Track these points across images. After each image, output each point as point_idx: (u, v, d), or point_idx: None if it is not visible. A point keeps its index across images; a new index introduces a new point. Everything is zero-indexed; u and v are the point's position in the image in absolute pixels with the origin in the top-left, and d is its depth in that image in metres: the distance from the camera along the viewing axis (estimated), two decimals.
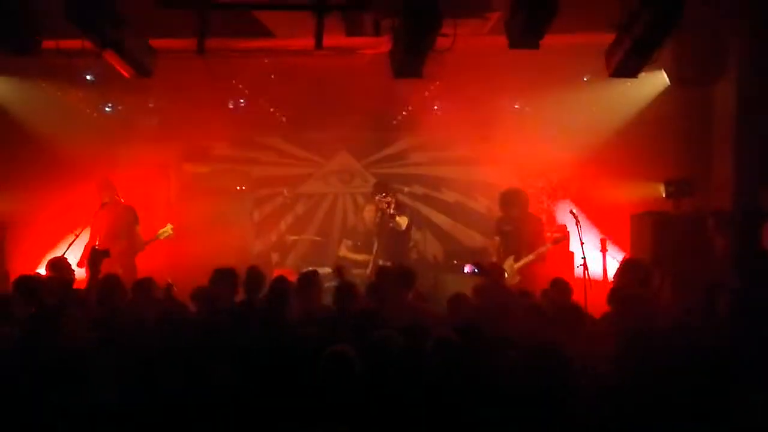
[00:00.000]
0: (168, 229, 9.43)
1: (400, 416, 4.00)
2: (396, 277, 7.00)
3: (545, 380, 3.99)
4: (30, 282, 6.66)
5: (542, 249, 9.01)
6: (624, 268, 7.01)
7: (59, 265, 7.49)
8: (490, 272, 7.69)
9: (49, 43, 6.98)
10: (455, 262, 10.51)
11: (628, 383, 4.01)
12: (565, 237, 9.24)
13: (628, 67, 6.74)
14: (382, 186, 10.00)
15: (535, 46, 6.44)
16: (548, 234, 9.48)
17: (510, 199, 9.40)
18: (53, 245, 9.66)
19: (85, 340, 5.10)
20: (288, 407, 4.22)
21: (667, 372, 4.09)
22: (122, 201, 9.58)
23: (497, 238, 9.46)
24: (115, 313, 6.14)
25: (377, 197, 9.71)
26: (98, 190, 9.45)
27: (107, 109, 11.07)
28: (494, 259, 9.27)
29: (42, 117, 10.01)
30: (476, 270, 7.89)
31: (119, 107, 11.09)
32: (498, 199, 9.59)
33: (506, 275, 8.61)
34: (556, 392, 3.91)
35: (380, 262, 9.48)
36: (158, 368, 4.64)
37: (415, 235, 11.43)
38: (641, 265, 7.13)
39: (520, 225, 9.26)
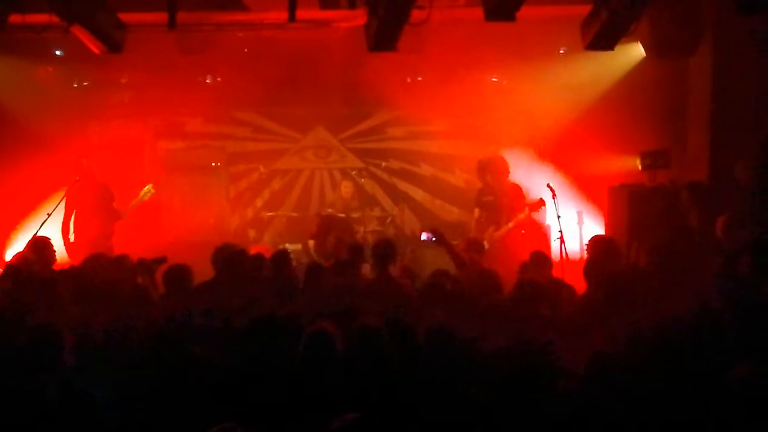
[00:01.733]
0: (149, 188, 9.41)
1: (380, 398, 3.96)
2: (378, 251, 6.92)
3: (527, 365, 3.99)
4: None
5: (520, 216, 8.98)
6: (592, 243, 7.01)
7: (41, 245, 7.37)
8: (446, 241, 7.66)
9: (15, 17, 6.80)
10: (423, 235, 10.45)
11: (616, 364, 4.01)
12: (542, 203, 9.21)
13: (604, 40, 6.72)
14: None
15: (512, 18, 6.38)
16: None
17: (487, 167, 9.34)
18: (22, 223, 9.53)
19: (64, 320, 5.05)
20: (271, 386, 4.16)
21: (651, 352, 4.10)
22: (97, 180, 9.47)
23: (477, 210, 9.41)
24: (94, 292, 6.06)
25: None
26: (74, 168, 9.35)
27: (75, 84, 10.87)
28: (472, 233, 9.23)
29: (11, 93, 9.80)
30: (433, 238, 7.86)
31: (90, 83, 10.90)
32: (476, 167, 9.55)
33: (486, 246, 8.57)
34: (539, 376, 3.91)
35: None
36: (138, 349, 4.58)
37: (392, 209, 11.42)
38: (608, 240, 7.16)
39: (500, 194, 9.21)
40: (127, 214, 9.41)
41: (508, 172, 9.37)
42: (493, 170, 9.30)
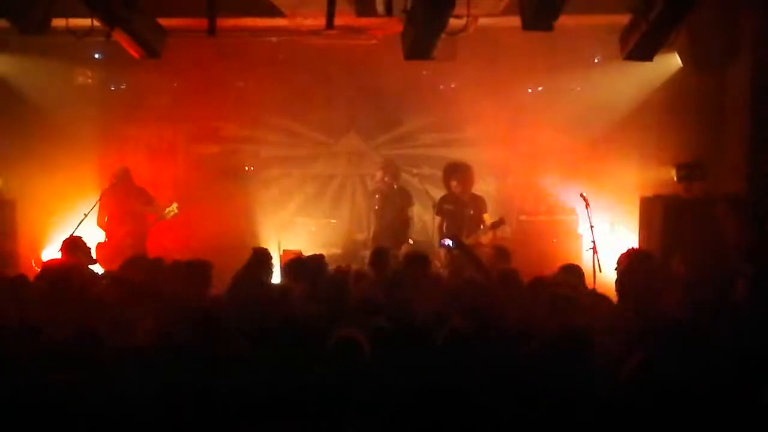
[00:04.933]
0: (173, 208, 9.44)
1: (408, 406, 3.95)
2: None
3: (567, 370, 3.97)
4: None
5: (482, 235, 8.95)
6: (626, 257, 6.94)
7: (78, 246, 7.42)
8: (466, 247, 7.68)
9: (58, 22, 6.91)
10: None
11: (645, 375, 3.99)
12: (503, 221, 9.10)
13: (643, 50, 6.67)
14: (389, 165, 9.96)
15: (549, 27, 6.34)
16: (486, 216, 9.37)
17: (453, 174, 9.39)
18: (60, 224, 9.66)
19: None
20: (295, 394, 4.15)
21: (686, 364, 4.07)
22: (133, 183, 9.58)
23: (438, 218, 9.44)
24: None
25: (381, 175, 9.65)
26: (110, 171, 9.46)
27: (112, 88, 11.02)
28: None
29: (50, 95, 9.98)
30: (452, 244, 7.89)
31: (128, 86, 11.04)
32: (442, 172, 9.58)
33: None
34: (577, 382, 3.89)
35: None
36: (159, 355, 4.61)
37: (424, 216, 11.39)
38: (643, 253, 7.09)
39: (461, 205, 9.28)
40: (151, 226, 9.48)
41: (473, 183, 9.34)
42: (459, 178, 9.33)
